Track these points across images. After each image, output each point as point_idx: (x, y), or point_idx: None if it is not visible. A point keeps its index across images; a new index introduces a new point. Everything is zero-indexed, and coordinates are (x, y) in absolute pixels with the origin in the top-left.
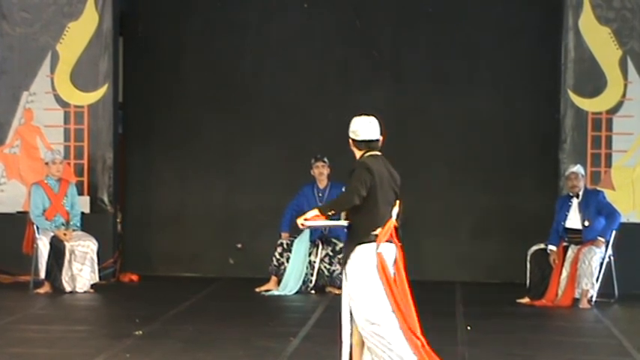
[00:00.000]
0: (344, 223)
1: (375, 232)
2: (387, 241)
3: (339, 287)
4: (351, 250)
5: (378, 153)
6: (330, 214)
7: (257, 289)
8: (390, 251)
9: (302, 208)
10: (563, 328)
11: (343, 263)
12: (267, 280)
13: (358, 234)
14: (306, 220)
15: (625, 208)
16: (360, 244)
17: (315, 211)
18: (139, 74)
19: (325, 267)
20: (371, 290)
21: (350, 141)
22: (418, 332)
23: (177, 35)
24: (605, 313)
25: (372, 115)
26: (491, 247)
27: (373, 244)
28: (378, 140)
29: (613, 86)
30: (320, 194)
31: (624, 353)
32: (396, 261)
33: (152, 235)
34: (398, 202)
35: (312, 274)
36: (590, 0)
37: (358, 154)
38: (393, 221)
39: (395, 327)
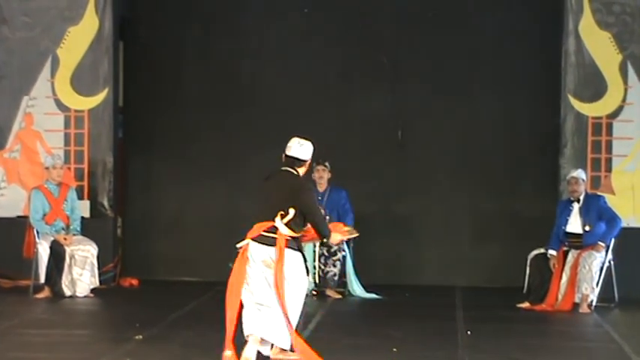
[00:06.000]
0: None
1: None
2: (254, 239)
3: (334, 289)
4: None
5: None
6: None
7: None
8: (256, 249)
9: None
10: (563, 333)
11: None
12: None
13: None
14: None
15: (625, 212)
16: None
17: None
18: (139, 79)
19: (320, 268)
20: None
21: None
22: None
23: (177, 40)
24: (605, 317)
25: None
26: (492, 252)
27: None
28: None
29: (613, 91)
30: (319, 197)
31: (624, 358)
32: (275, 259)
33: (152, 240)
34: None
35: (312, 277)
36: (590, 4)
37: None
38: (263, 224)
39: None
